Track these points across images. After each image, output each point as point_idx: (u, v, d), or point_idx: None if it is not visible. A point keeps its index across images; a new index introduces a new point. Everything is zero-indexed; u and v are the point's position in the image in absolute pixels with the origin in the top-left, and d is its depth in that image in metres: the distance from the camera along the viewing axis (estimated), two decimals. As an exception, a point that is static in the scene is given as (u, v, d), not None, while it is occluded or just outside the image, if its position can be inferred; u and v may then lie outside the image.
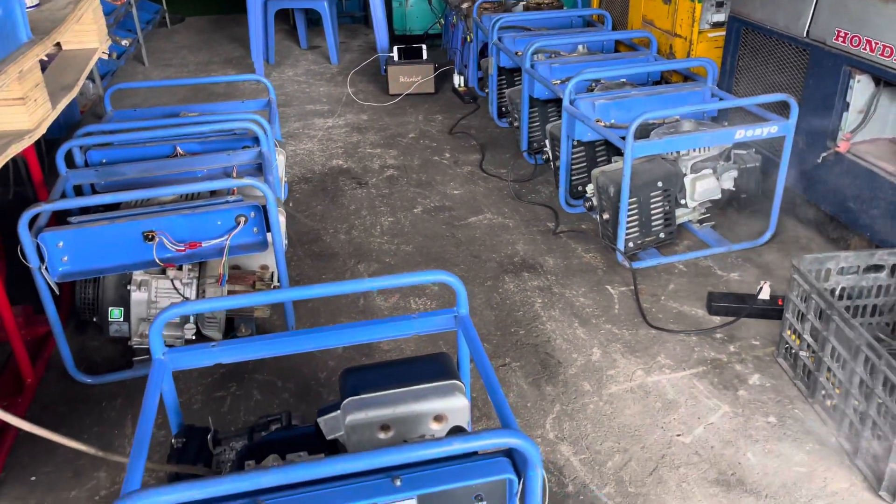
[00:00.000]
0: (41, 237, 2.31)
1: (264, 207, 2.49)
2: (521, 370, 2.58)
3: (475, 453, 1.51)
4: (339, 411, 1.71)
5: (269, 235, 2.55)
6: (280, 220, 2.78)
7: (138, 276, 2.54)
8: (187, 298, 2.58)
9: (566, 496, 2.07)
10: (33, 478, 2.18)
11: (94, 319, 2.60)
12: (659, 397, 2.43)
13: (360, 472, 1.36)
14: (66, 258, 2.39)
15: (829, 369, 2.26)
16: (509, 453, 1.42)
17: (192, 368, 2.61)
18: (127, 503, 1.19)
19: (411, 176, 4.15)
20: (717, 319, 2.81)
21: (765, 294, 2.79)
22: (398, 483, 1.34)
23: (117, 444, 2.31)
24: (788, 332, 2.49)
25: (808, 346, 2.37)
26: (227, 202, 2.52)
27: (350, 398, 1.70)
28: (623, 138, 2.90)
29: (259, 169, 2.92)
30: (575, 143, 3.54)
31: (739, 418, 2.33)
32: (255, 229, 2.54)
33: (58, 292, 2.37)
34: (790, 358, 2.50)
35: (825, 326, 2.25)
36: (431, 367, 1.83)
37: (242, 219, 2.50)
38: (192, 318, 2.61)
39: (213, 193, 2.77)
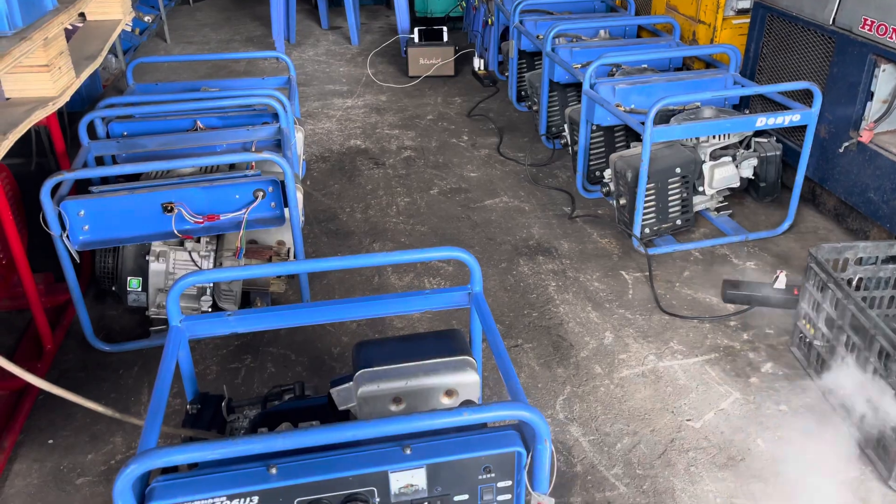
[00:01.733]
0: (63, 205, 2.34)
1: (282, 183, 2.51)
2: (533, 352, 2.59)
3: (485, 426, 1.53)
4: (351, 382, 1.73)
5: (286, 211, 2.57)
6: (297, 196, 2.79)
7: (157, 246, 2.57)
8: (201, 269, 2.61)
9: (574, 476, 2.09)
10: (51, 441, 2.23)
11: (114, 289, 2.64)
12: (670, 382, 2.44)
13: (370, 440, 1.38)
14: (86, 227, 2.42)
15: (842, 359, 2.25)
16: (519, 427, 1.44)
17: (209, 340, 2.65)
18: (143, 460, 1.21)
19: (428, 157, 4.15)
20: (730, 307, 2.80)
21: (780, 283, 2.78)
22: (408, 451, 1.36)
23: (133, 410, 2.35)
24: (803, 322, 2.48)
25: (823, 335, 2.36)
26: (246, 176, 2.54)
27: (363, 370, 1.72)
28: (643, 123, 2.88)
29: (278, 145, 2.93)
30: (594, 127, 3.53)
31: (751, 405, 2.33)
32: (272, 204, 2.55)
33: (78, 260, 2.41)
34: (804, 347, 2.49)
35: (840, 315, 2.24)
36: (444, 343, 1.85)
37: (260, 193, 2.52)
38: (208, 291, 2.64)
39: (232, 167, 2.80)
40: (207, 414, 1.79)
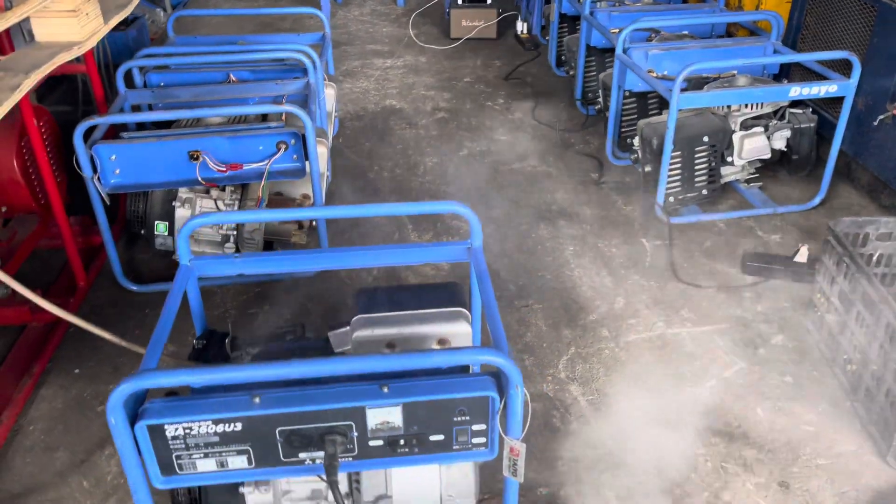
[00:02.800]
0: (95, 148, 2.45)
1: (303, 136, 2.57)
2: (543, 312, 2.62)
3: (467, 372, 1.57)
4: (348, 327, 1.80)
5: (307, 164, 2.64)
6: (321, 150, 2.86)
7: (183, 193, 2.68)
8: (228, 218, 2.71)
9: (569, 433, 2.13)
10: (77, 370, 2.37)
11: (142, 232, 2.76)
12: (676, 349, 2.44)
13: (351, 377, 1.45)
14: (117, 171, 2.54)
15: (852, 333, 2.21)
16: (496, 375, 1.48)
17: (230, 287, 2.77)
18: (134, 380, 1.30)
19: (461, 119, 4.16)
20: (748, 279, 2.77)
21: (801, 257, 2.73)
22: (385, 390, 1.42)
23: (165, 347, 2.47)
24: (818, 296, 2.44)
25: (836, 309, 2.32)
26: (269, 128, 2.61)
27: (360, 315, 1.79)
28: (671, 90, 2.84)
29: (307, 100, 2.99)
30: (626, 93, 3.49)
31: (755, 375, 2.32)
32: (294, 156, 2.62)
33: (108, 202, 2.53)
34: (818, 321, 2.46)
35: (853, 289, 2.20)
36: (441, 295, 1.90)
37: (283, 145, 2.59)
38: (231, 239, 2.74)
39: (265, 119, 2.88)
40: (212, 349, 1.88)
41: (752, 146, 3.07)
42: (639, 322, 2.57)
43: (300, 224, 2.87)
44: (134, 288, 2.73)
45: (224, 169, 2.56)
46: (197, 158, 2.54)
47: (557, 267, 2.88)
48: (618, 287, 2.75)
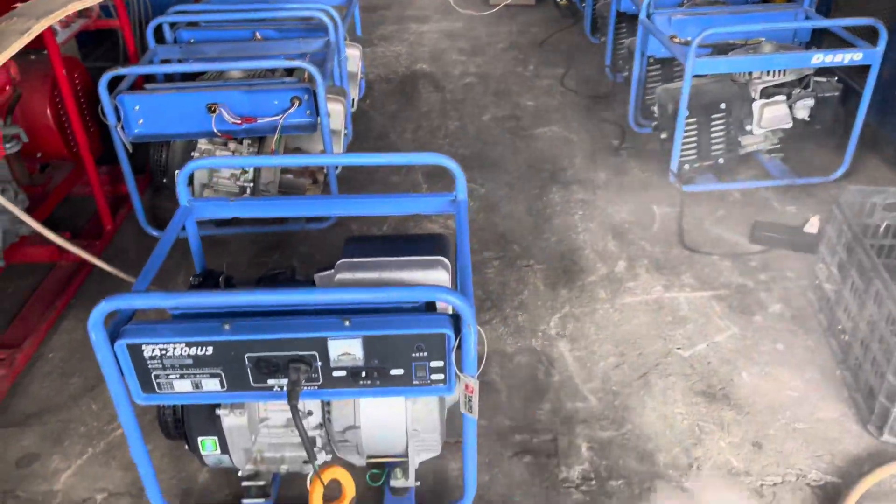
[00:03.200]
0: (119, 98, 2.59)
1: (314, 92, 2.65)
2: (542, 272, 2.66)
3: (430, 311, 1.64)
4: (332, 270, 1.89)
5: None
6: (337, 108, 2.95)
7: (202, 144, 2.80)
8: (244, 171, 2.82)
9: (550, 384, 2.18)
10: (97, 306, 2.54)
11: (164, 181, 2.90)
12: (671, 312, 2.45)
13: (319, 311, 1.53)
14: (141, 121, 2.68)
15: (847, 302, 2.19)
16: (455, 317, 1.54)
17: (244, 236, 2.89)
18: (112, 300, 1.42)
19: (489, 84, 4.19)
20: (756, 248, 2.74)
21: (812, 227, 2.69)
22: (347, 323, 1.50)
23: (171, 286, 2.62)
24: (820, 265, 2.41)
25: (834, 278, 2.29)
26: (283, 83, 2.70)
27: (344, 260, 1.87)
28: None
29: (325, 59, 3.07)
30: (651, 59, 3.45)
31: (747, 341, 2.32)
32: (307, 112, 2.71)
33: (130, 150, 2.68)
34: (819, 291, 2.43)
35: (850, 259, 2.18)
36: (425, 245, 1.96)
37: (297, 100, 2.68)
38: (248, 191, 2.85)
39: (291, 74, 2.96)
40: (208, 286, 2.00)
41: (773, 115, 3.02)
42: (637, 285, 2.59)
43: (314, 179, 2.98)
44: (155, 233, 2.88)
45: (239, 121, 2.67)
46: (214, 111, 2.66)
47: (564, 230, 2.91)
48: (621, 251, 2.77)
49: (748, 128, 3.08)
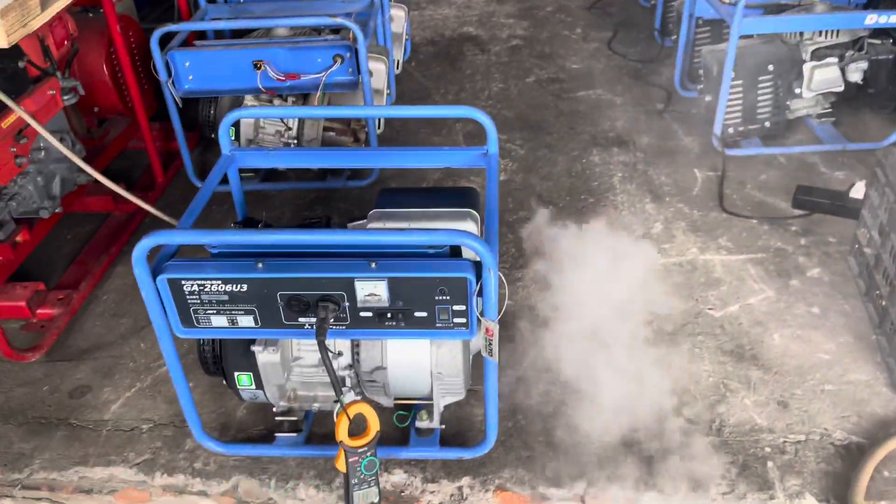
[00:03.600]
0: (169, 55, 2.69)
1: (356, 50, 2.70)
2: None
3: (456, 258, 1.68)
4: (365, 220, 1.95)
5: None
6: (379, 66, 3.00)
7: (249, 101, 2.89)
8: (289, 127, 2.90)
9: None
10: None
11: (212, 136, 3.00)
12: (705, 273, 2.44)
13: (346, 253, 1.60)
14: (190, 77, 2.77)
15: (885, 266, 2.15)
16: (479, 264, 1.58)
17: (289, 192, 2.98)
18: (153, 236, 1.51)
19: (535, 47, 4.16)
20: (798, 212, 2.69)
21: (857, 192, 2.62)
22: (373, 265, 1.56)
23: (216, 239, 2.73)
24: (862, 229, 2.36)
25: (874, 242, 2.25)
26: (326, 40, 2.75)
27: (376, 210, 1.93)
28: (734, 13, 2.75)
29: (369, 18, 3.11)
30: (700, 21, 3.38)
31: (780, 304, 2.30)
32: (349, 70, 2.76)
33: (180, 105, 2.78)
34: (859, 256, 2.39)
35: (890, 222, 2.13)
36: (456, 197, 2.01)
37: (339, 58, 2.73)
38: (292, 145, 2.93)
39: (338, 32, 3.01)
40: (247, 233, 2.09)
41: (823, 77, 2.93)
42: (672, 247, 2.58)
43: (356, 137, 3.04)
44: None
45: (283, 78, 2.74)
46: (260, 67, 2.73)
47: (602, 192, 2.91)
48: (659, 213, 2.76)
49: (797, 91, 3.01)
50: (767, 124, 3.05)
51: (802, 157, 3.03)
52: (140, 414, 2.03)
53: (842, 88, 2.98)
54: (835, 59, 2.94)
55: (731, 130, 3.04)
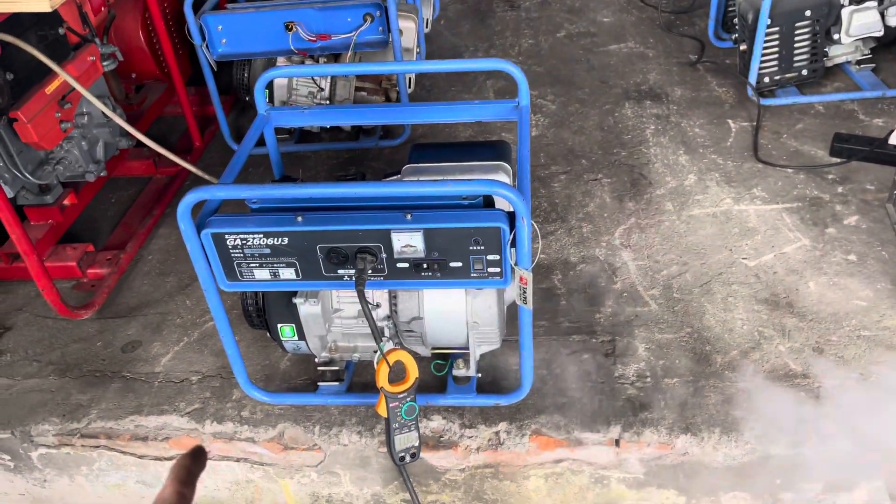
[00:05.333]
0: (203, 18, 2.73)
1: (386, 8, 2.70)
2: (610, 186, 2.68)
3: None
4: (399, 175, 1.99)
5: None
6: (408, 25, 3.00)
7: (281, 62, 2.92)
8: (321, 88, 2.94)
9: (611, 291, 2.24)
10: (189, 214, 2.75)
11: (247, 99, 3.05)
12: (739, 224, 2.44)
13: (382, 206, 1.64)
14: (224, 40, 2.81)
15: (925, 212, 2.13)
16: (512, 215, 1.61)
17: (322, 153, 3.03)
18: (197, 191, 1.57)
19: (565, 2, 4.11)
20: (835, 160, 2.65)
21: (897, 139, 2.58)
22: (409, 217, 1.60)
23: (254, 200, 2.79)
24: (901, 176, 2.33)
25: (913, 188, 2.22)
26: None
27: (409, 165, 1.97)
28: (768, -43, 2.69)
29: (398, -24, 3.10)
30: (734, -32, 3.30)
31: (816, 252, 2.29)
32: (380, 28, 2.77)
33: (215, 68, 2.83)
34: (898, 203, 2.36)
35: (930, 166, 2.10)
36: (488, 151, 2.04)
37: (369, 17, 2.74)
38: (325, 104, 2.97)
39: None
40: (285, 191, 2.14)
41: (862, 22, 2.86)
42: (706, 198, 2.57)
43: (387, 97, 3.06)
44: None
45: (314, 39, 2.76)
46: (291, 29, 2.76)
47: (634, 145, 2.90)
48: (692, 165, 2.74)
49: (836, 36, 2.94)
50: (804, 72, 2.99)
51: (840, 105, 2.97)
52: (189, 367, 2.12)
53: (881, 33, 2.90)
54: (874, 3, 2.86)
55: (766, 79, 2.99)
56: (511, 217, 1.58)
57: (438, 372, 2.00)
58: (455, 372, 1.93)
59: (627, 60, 3.48)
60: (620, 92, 3.25)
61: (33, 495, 2.17)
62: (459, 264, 1.64)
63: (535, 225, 1.56)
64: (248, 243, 1.64)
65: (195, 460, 0.74)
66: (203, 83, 3.04)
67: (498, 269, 1.64)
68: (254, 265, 1.68)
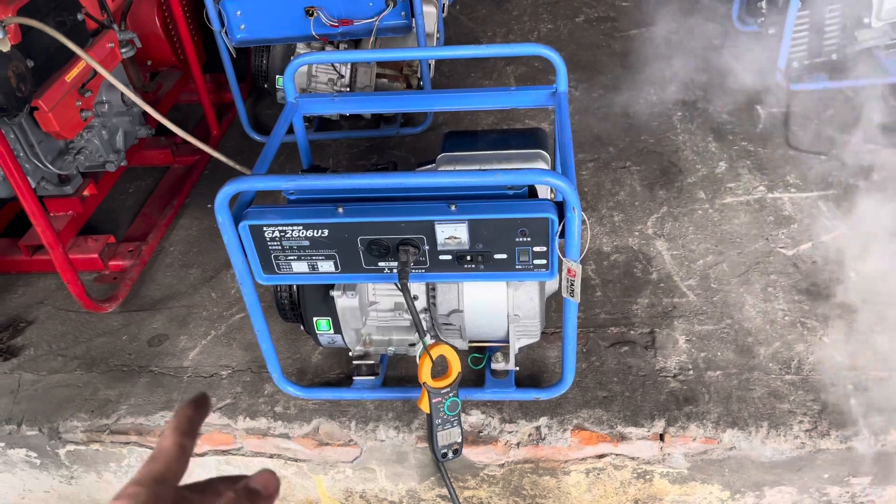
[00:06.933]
0: (221, 3, 2.66)
1: (411, -9, 2.64)
2: (639, 174, 2.63)
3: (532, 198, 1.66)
4: (433, 164, 1.94)
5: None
6: (429, 9, 2.93)
7: (301, 49, 2.86)
8: (341, 75, 2.88)
9: (648, 282, 2.19)
10: (209, 205, 2.66)
11: (266, 86, 2.99)
12: (774, 212, 2.39)
13: (427, 197, 1.58)
14: (243, 26, 2.74)
15: (969, 200, 2.08)
16: (561, 204, 1.56)
17: (343, 141, 2.97)
18: (234, 183, 1.52)
19: (583, -15, 4.04)
20: (869, 146, 2.61)
21: (933, 125, 2.53)
22: (453, 208, 1.55)
23: (275, 190, 2.74)
24: (941, 163, 2.28)
25: (956, 175, 2.17)
26: (378, -17, 2.69)
27: (444, 153, 1.91)
28: (801, -62, 2.62)
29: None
30: (760, -50, 3.23)
31: (856, 240, 2.25)
32: (402, 13, 2.71)
33: (234, 55, 2.76)
34: (937, 191, 2.31)
35: (976, 153, 2.05)
36: (524, 139, 1.98)
37: (391, 2, 2.67)
38: (347, 91, 2.91)
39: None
40: (315, 180, 2.09)
41: (894, 5, 2.80)
42: (738, 186, 2.52)
43: (408, 83, 3.00)
44: (258, 138, 3.00)
45: (336, 24, 2.69)
46: (312, 14, 2.69)
47: (662, 131, 2.84)
48: (722, 152, 2.69)
49: (866, 20, 2.87)
50: (835, 56, 2.93)
51: (871, 91, 2.91)
52: (218, 360, 2.07)
53: (915, 16, 2.84)
54: (908, -15, 2.80)
55: (795, 64, 2.93)
56: (558, 207, 1.53)
57: (476, 366, 1.95)
58: (493, 365, 1.89)
59: (650, 45, 3.41)
60: (644, 78, 3.18)
61: (59, 492, 2.13)
62: (504, 256, 1.59)
63: (584, 216, 1.51)
64: (287, 235, 1.59)
65: (198, 410, 0.65)
66: (217, 70, 2.97)
67: (544, 262, 1.59)
68: (292, 258, 1.63)
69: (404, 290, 1.56)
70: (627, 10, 3.73)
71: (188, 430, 0.63)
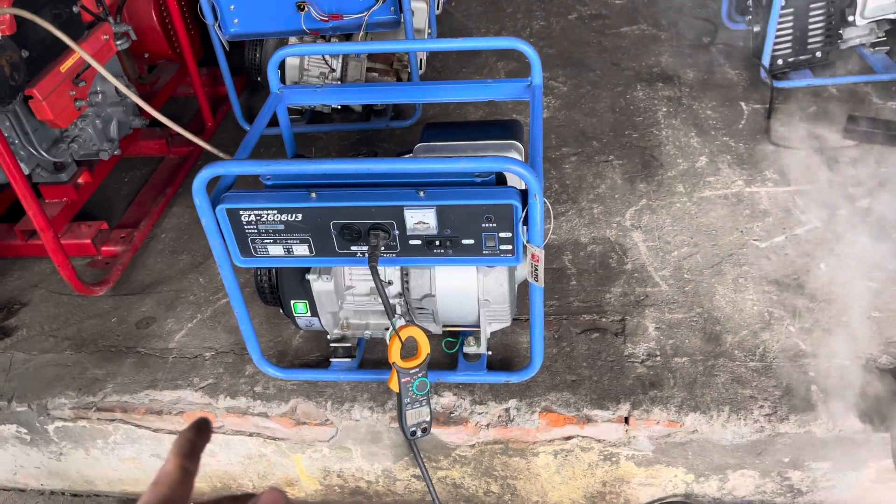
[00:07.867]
0: (214, -3, 2.74)
1: (399, -13, 2.70)
2: (621, 167, 2.68)
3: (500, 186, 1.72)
4: (411, 153, 2.00)
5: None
6: (420, 5, 2.99)
7: (293, 43, 2.92)
8: (332, 69, 2.94)
9: (622, 272, 2.24)
10: (201, 194, 2.76)
11: (258, 79, 3.06)
12: (750, 206, 2.44)
13: (396, 183, 1.64)
14: (236, 20, 2.81)
15: (938, 194, 2.12)
16: (524, 192, 1.61)
17: (334, 133, 3.04)
18: (212, 167, 1.58)
19: (577, -17, 4.09)
20: (849, 143, 2.64)
21: (911, 122, 2.57)
22: (421, 194, 1.61)
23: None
24: (915, 158, 2.32)
25: (927, 170, 2.21)
26: (367, -21, 2.75)
27: (421, 144, 1.97)
28: (784, -63, 2.66)
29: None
30: (748, -51, 3.27)
31: (829, 234, 2.29)
32: (391, 9, 2.77)
33: (227, 48, 2.83)
34: (911, 186, 2.35)
35: (945, 148, 2.09)
36: (500, 130, 2.04)
37: (381, -2, 2.74)
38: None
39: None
40: (298, 169, 2.15)
41: (878, 3, 2.83)
42: (718, 180, 2.57)
43: (398, 77, 3.06)
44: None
45: (326, 19, 2.76)
46: (303, 9, 2.76)
47: (646, 127, 2.89)
48: (704, 147, 2.74)
49: (850, 18, 2.91)
50: (818, 54, 2.97)
51: (854, 88, 2.95)
52: (202, 343, 2.14)
53: (898, 14, 2.88)
54: (891, -16, 2.83)
55: (779, 62, 2.98)
56: (523, 195, 1.58)
57: (449, 349, 2.01)
58: (466, 349, 1.95)
59: (639, 42, 3.47)
60: (632, 74, 3.23)
61: (49, 468, 2.21)
62: (472, 241, 1.65)
63: (547, 203, 1.57)
64: (263, 219, 1.65)
65: (199, 433, 0.67)
66: (214, 64, 3.04)
67: (510, 247, 1.65)
68: (268, 241, 1.69)
69: (374, 273, 1.62)
70: (620, 8, 3.78)
71: (190, 454, 0.65)
